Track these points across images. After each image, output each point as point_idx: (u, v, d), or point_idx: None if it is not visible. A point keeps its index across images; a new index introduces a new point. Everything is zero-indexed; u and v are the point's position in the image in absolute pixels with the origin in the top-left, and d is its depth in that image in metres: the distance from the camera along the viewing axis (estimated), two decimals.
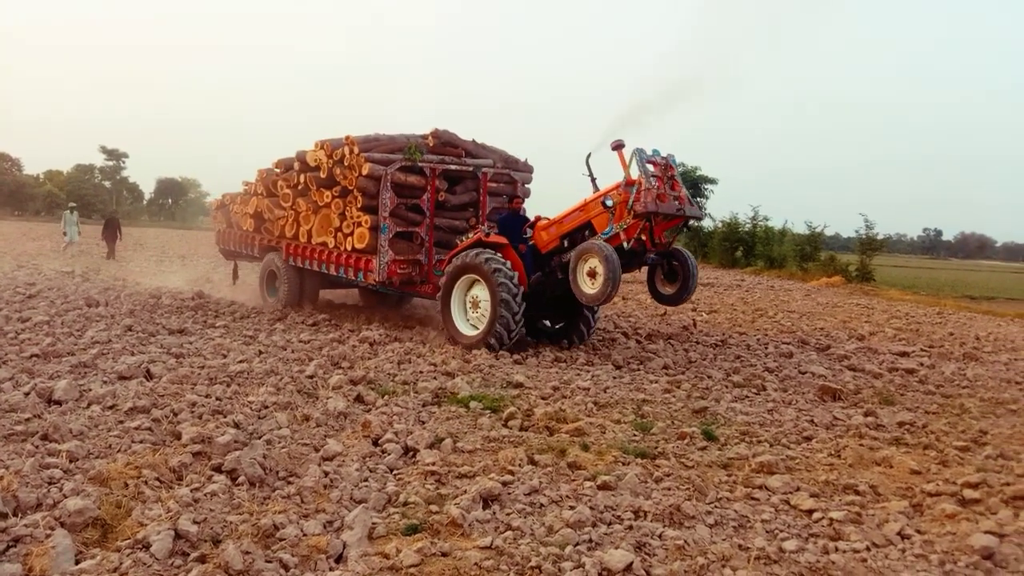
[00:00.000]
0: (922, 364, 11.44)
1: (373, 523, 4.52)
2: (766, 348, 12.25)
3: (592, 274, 9.81)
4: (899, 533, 4.80)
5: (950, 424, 7.79)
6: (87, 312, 12.00)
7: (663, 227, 10.23)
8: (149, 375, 7.90)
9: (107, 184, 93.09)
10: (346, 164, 12.25)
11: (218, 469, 5.23)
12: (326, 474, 5.29)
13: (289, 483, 5.14)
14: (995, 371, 11.25)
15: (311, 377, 8.20)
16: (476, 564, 4.07)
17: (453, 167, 12.70)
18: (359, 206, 12.26)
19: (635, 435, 6.81)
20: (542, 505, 4.97)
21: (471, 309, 10.89)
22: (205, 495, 4.76)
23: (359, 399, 7.42)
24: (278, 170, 14.28)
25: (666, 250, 10.40)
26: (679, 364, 10.51)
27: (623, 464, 5.91)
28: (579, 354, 10.67)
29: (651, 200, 9.66)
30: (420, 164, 12.21)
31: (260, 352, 9.57)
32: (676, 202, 9.91)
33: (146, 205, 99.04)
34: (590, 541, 4.42)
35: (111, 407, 6.63)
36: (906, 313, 20.18)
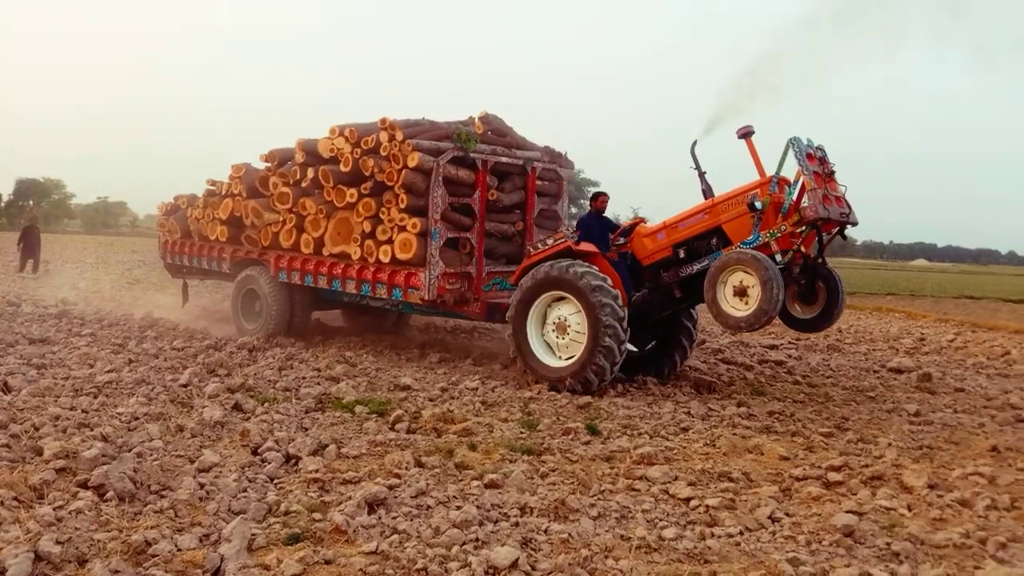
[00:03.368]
0: (790, 356, 12.09)
1: (252, 534, 4.37)
2: None
3: (741, 292, 7.83)
4: (770, 516, 5.04)
5: (815, 412, 8.26)
6: None
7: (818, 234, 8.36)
8: (7, 388, 7.37)
9: None
10: (384, 154, 10.04)
11: (84, 485, 4.93)
12: (202, 486, 5.08)
13: (162, 497, 4.90)
14: (855, 361, 12.02)
15: (185, 386, 7.86)
16: (361, 570, 4.01)
17: (504, 160, 10.71)
18: (403, 206, 9.97)
19: (522, 432, 6.89)
20: (429, 507, 4.95)
21: (557, 334, 8.88)
22: (69, 513, 4.48)
23: (237, 407, 7.17)
24: (268, 164, 11.74)
25: (814, 263, 8.40)
26: None
27: (510, 462, 5.95)
28: (467, 355, 10.68)
29: (820, 203, 7.80)
30: (472, 156, 10.28)
31: (130, 361, 9.10)
32: (836, 204, 8.08)
33: (4, 207, 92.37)
34: (477, 540, 4.44)
35: None
36: None
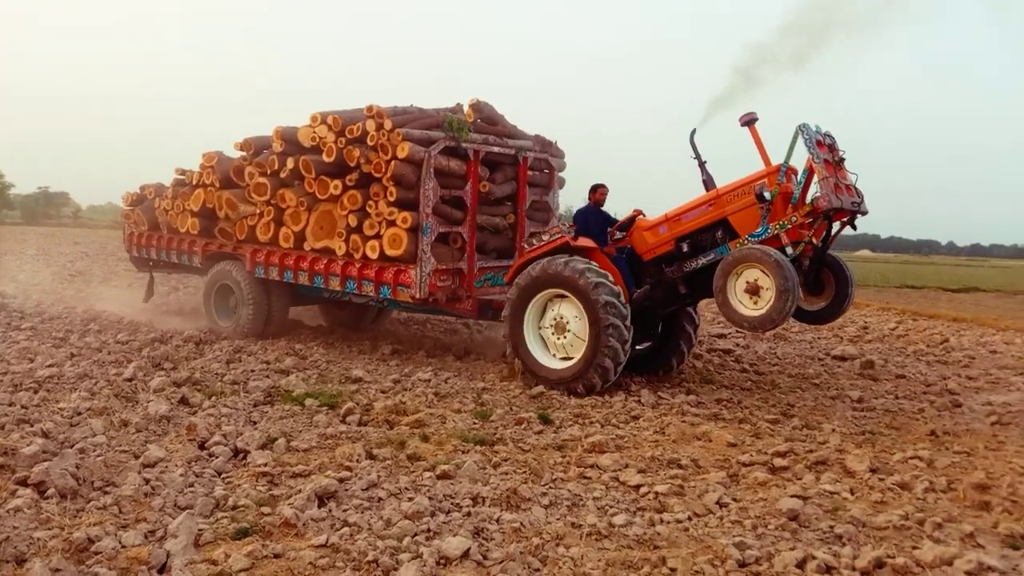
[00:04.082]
0: (737, 345, 12.28)
1: (199, 529, 4.31)
2: None
3: (754, 290, 7.46)
4: (717, 502, 5.13)
5: (762, 399, 8.42)
6: None
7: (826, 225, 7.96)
8: None
9: None
10: (371, 144, 9.48)
11: (23, 483, 4.80)
12: (147, 481, 4.98)
13: (106, 493, 4.80)
14: (801, 349, 12.27)
15: (130, 380, 7.70)
16: (311, 563, 3.97)
17: (496, 150, 10.21)
18: (392, 199, 9.41)
19: (475, 423, 6.90)
20: (380, 499, 4.93)
21: (555, 334, 8.45)
22: (7, 512, 4.36)
23: (184, 401, 7.04)
24: (244, 153, 11.02)
25: (822, 253, 8.06)
26: None
27: (463, 452, 5.96)
28: (420, 347, 10.65)
29: (832, 192, 7.45)
30: (464, 146, 9.76)
31: (72, 355, 8.87)
32: (847, 193, 7.73)
33: None
34: (428, 531, 4.43)
35: None
36: None
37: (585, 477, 5.57)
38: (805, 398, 8.61)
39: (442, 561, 4.06)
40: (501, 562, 4.07)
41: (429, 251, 9.40)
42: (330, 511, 4.67)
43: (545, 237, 8.77)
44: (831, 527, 4.76)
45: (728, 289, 7.62)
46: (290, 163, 10.18)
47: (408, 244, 9.36)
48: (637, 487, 5.37)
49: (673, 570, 4.08)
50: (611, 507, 4.99)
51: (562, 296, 8.40)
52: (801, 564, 4.19)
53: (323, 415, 6.85)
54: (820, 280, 8.13)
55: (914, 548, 4.50)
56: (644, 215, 8.95)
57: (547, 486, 5.32)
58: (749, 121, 8.07)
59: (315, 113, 10.03)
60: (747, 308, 7.55)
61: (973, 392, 9.37)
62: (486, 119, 10.46)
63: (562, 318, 8.39)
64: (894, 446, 6.71)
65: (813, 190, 7.66)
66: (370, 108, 9.60)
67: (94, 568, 3.83)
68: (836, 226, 8.05)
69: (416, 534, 4.37)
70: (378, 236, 9.62)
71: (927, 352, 12.57)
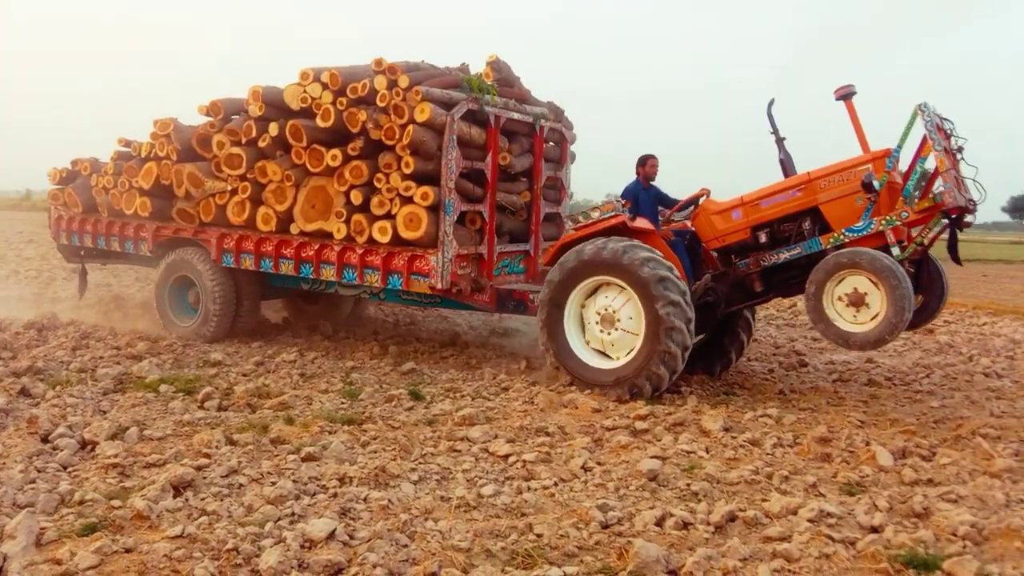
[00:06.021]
0: None
1: (42, 528, 4.01)
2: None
3: (858, 302, 6.41)
4: (583, 467, 5.27)
5: None
6: None
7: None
8: None
9: None
10: (381, 105, 8.07)
11: None
12: None
13: None
14: None
15: None
16: (166, 556, 3.79)
17: (516, 117, 8.91)
18: (408, 172, 8.03)
19: (343, 403, 6.78)
20: (241, 485, 4.76)
21: (602, 328, 7.33)
22: None
23: (24, 392, 6.55)
24: (211, 117, 9.33)
25: (920, 257, 7.04)
26: (387, 329, 10.63)
27: (329, 433, 5.84)
28: (285, 327, 10.35)
29: (954, 186, 6.49)
30: (487, 110, 8.46)
31: None
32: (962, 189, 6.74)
33: None
34: (292, 515, 4.32)
35: None
36: None
37: (455, 450, 5.59)
38: None
39: (306, 544, 3.96)
40: (368, 540, 4.02)
41: (452, 233, 8.11)
42: (187, 500, 4.47)
43: (595, 215, 7.64)
44: (688, 485, 4.99)
45: (825, 307, 6.59)
46: (273, 130, 8.69)
47: (428, 225, 8.00)
48: (506, 456, 5.43)
49: (539, 536, 4.16)
50: (480, 478, 5.03)
51: (613, 285, 7.29)
52: (660, 522, 4.37)
53: (179, 401, 6.54)
54: (918, 282, 7.00)
55: (763, 500, 4.78)
56: (711, 195, 7.82)
57: (416, 462, 5.30)
58: (846, 95, 7.07)
59: (306, 69, 8.53)
60: (860, 324, 6.49)
61: (818, 352, 10.04)
62: (503, 81, 9.17)
63: (611, 310, 7.28)
64: (746, 405, 7.09)
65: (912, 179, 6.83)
66: (379, 62, 8.19)
67: None
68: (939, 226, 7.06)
69: (279, 519, 4.25)
70: (390, 216, 8.18)
71: (777, 316, 13.37)
